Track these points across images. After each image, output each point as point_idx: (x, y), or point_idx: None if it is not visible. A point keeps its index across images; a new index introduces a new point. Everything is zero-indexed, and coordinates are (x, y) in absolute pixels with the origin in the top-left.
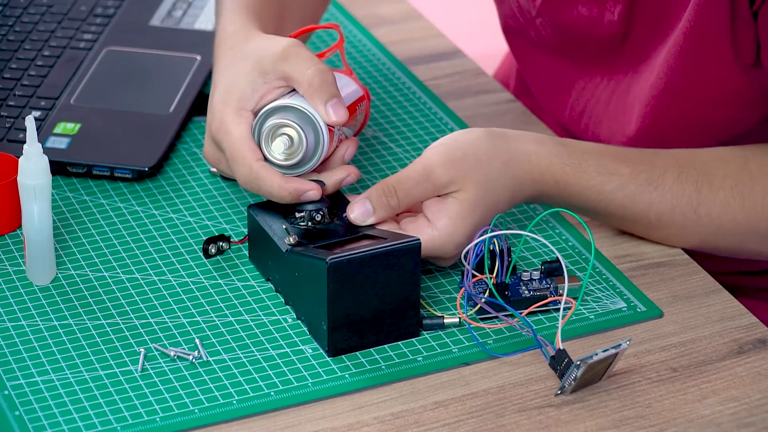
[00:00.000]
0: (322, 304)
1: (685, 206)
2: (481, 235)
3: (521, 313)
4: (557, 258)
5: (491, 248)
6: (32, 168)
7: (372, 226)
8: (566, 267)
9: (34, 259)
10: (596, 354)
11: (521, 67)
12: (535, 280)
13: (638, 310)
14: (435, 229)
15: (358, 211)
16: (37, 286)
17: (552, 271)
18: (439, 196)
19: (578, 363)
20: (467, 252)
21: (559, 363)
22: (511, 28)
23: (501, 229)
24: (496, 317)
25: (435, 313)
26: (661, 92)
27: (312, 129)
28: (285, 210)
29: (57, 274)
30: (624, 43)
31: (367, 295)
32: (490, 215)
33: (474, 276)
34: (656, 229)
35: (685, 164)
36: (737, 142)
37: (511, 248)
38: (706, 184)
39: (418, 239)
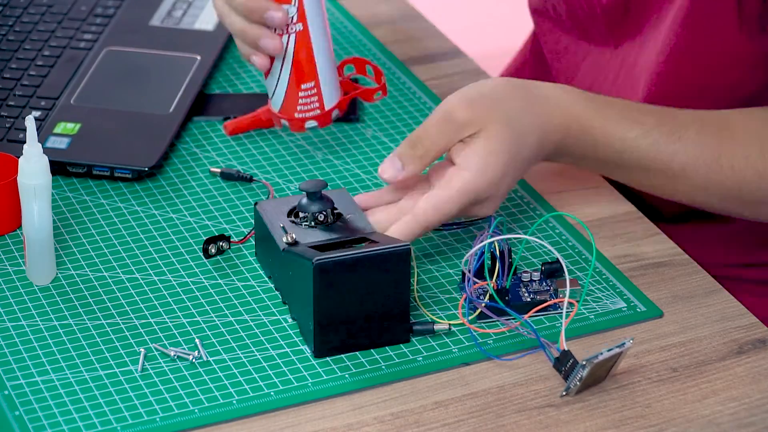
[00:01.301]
0: (310, 305)
1: (708, 157)
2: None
3: (523, 317)
4: (557, 259)
5: (491, 250)
6: (32, 168)
7: (373, 229)
8: (566, 268)
9: (34, 259)
10: (601, 353)
11: (546, 49)
12: (534, 281)
13: (638, 310)
14: (467, 170)
15: (390, 170)
16: (37, 286)
17: (552, 272)
18: (462, 141)
19: (584, 363)
20: (467, 259)
21: (564, 364)
22: (535, 8)
23: (502, 233)
24: (498, 321)
25: (430, 316)
26: (667, 58)
27: None
28: (289, 210)
29: (57, 274)
30: (627, 13)
31: (354, 298)
32: (520, 158)
33: (475, 282)
34: (680, 180)
35: (706, 118)
36: (746, 106)
37: (512, 249)
38: (728, 138)
39: (408, 245)
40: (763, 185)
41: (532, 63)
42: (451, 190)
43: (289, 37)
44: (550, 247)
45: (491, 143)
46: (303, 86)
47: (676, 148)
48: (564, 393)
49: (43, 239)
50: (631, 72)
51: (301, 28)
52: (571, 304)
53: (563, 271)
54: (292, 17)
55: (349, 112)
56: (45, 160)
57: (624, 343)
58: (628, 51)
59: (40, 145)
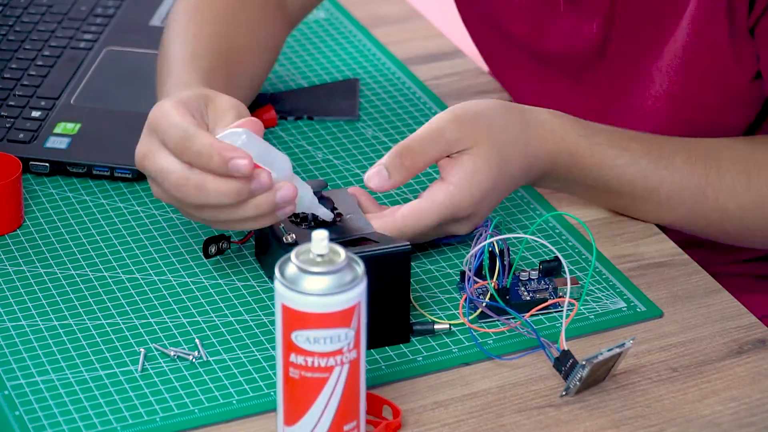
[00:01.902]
0: None
1: (694, 187)
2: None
3: (524, 317)
4: (555, 257)
5: (491, 249)
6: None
7: (373, 229)
8: (566, 267)
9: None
10: (601, 353)
11: (485, 55)
12: (533, 280)
13: (638, 310)
14: (450, 184)
15: (375, 179)
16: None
17: (550, 270)
18: (450, 157)
19: (584, 363)
20: (467, 259)
21: (564, 364)
22: (490, 51)
23: (501, 233)
24: (498, 321)
25: (429, 317)
26: (664, 102)
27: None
28: None
29: (58, 273)
30: (602, 56)
31: None
32: (505, 180)
33: (476, 282)
34: (666, 209)
35: (693, 148)
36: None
37: (510, 248)
38: (714, 168)
39: (408, 245)
40: (746, 219)
41: None
42: (433, 202)
43: (342, 368)
44: (550, 246)
45: (478, 162)
46: (345, 427)
47: (663, 175)
48: (564, 393)
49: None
50: (605, 107)
51: (356, 356)
52: (571, 303)
53: (562, 270)
54: (349, 343)
55: (350, 111)
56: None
57: (624, 343)
58: (593, 87)
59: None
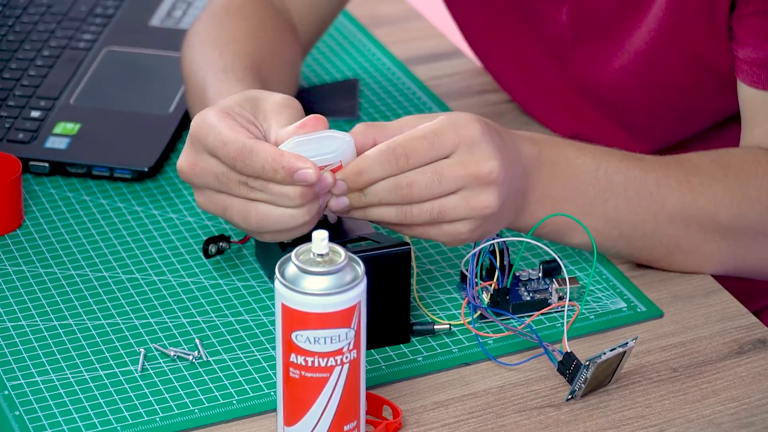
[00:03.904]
0: None
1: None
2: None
3: (525, 322)
4: (555, 258)
5: (490, 249)
6: None
7: (374, 229)
8: (565, 268)
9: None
10: (604, 353)
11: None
12: (533, 280)
13: (638, 310)
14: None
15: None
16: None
17: (550, 271)
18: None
19: (587, 363)
20: (468, 260)
21: (568, 366)
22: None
23: (500, 234)
24: (501, 326)
25: (430, 316)
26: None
27: None
28: None
29: (58, 273)
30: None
31: None
32: (513, 162)
33: (476, 285)
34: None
35: (671, 164)
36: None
37: (510, 249)
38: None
39: (409, 245)
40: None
41: None
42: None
43: (342, 368)
44: (548, 249)
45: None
46: (345, 427)
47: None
48: (570, 396)
49: None
50: (582, 84)
51: (356, 356)
52: (572, 306)
53: (561, 270)
54: (349, 343)
55: (350, 111)
56: None
57: (627, 343)
58: (569, 67)
59: None
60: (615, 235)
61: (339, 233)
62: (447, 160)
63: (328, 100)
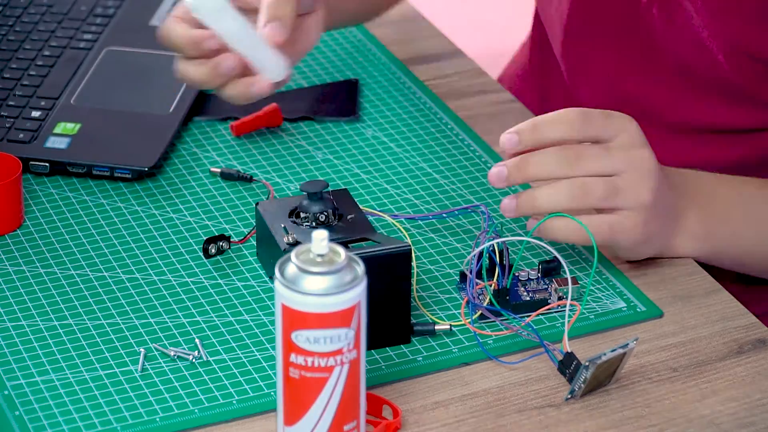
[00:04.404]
0: None
1: None
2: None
3: (525, 321)
4: (555, 258)
5: (490, 251)
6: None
7: (374, 230)
8: (566, 268)
9: (259, 57)
10: (604, 354)
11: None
12: (533, 280)
13: (638, 310)
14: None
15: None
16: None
17: (549, 270)
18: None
19: (587, 363)
20: (469, 260)
21: (568, 366)
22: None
23: (500, 235)
24: (501, 325)
25: (430, 316)
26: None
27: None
28: (291, 210)
29: (58, 273)
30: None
31: None
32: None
33: (477, 284)
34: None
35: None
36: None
37: (510, 248)
38: None
39: (409, 245)
40: None
41: (531, 68)
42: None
43: (342, 368)
44: (548, 247)
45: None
46: (345, 427)
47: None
48: (569, 396)
49: (253, 37)
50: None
51: (356, 356)
52: (572, 306)
53: (561, 270)
54: (349, 343)
55: (350, 111)
56: None
57: (628, 344)
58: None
59: None
60: (758, 258)
61: (339, 233)
62: (612, 142)
63: (328, 100)
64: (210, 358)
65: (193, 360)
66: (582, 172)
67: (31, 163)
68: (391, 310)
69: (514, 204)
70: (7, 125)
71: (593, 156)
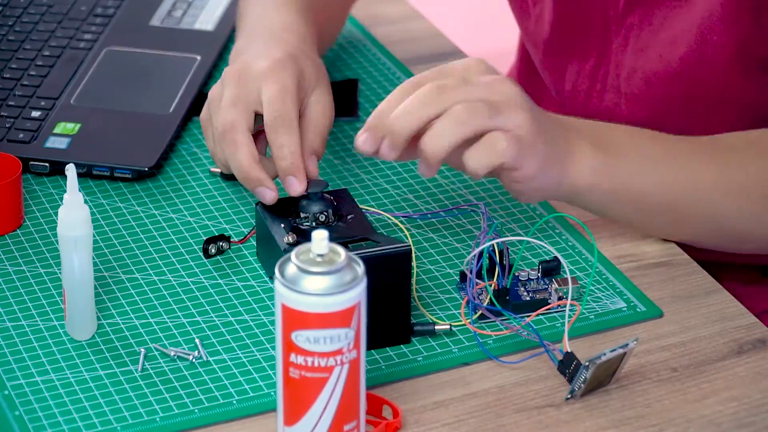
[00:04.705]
0: None
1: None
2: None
3: (525, 320)
4: (555, 258)
5: (490, 251)
6: (73, 219)
7: (374, 230)
8: (566, 267)
9: (75, 313)
10: (604, 354)
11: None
12: (532, 280)
13: (638, 310)
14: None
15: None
16: (78, 341)
17: (549, 270)
18: None
19: (587, 363)
20: (468, 260)
21: (568, 366)
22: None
23: (499, 235)
24: (501, 325)
25: (430, 316)
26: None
27: None
28: (291, 210)
29: (58, 273)
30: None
31: None
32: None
33: (477, 284)
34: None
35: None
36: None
37: (510, 249)
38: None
39: (409, 245)
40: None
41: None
42: None
43: (342, 368)
44: (550, 247)
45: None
46: (345, 427)
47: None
48: (569, 396)
49: (84, 293)
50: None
51: (356, 356)
52: (572, 305)
53: (561, 270)
54: (349, 343)
55: (350, 111)
56: (86, 210)
57: (628, 344)
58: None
59: (81, 194)
60: (663, 201)
61: (339, 233)
62: (468, 78)
63: None
64: (210, 358)
65: (193, 360)
66: (451, 102)
67: (31, 163)
68: (391, 310)
69: (363, 136)
70: (7, 125)
71: (454, 84)
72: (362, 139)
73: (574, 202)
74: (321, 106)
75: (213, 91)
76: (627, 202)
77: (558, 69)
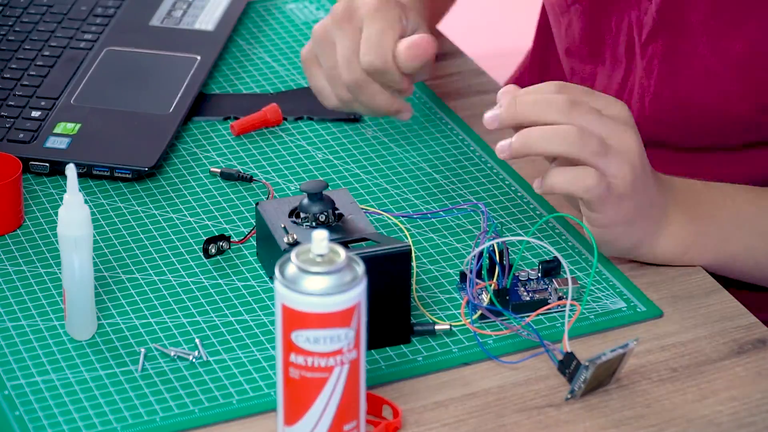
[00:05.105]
0: None
1: None
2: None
3: (525, 320)
4: (555, 258)
5: (490, 251)
6: (73, 218)
7: (374, 230)
8: (566, 267)
9: (75, 313)
10: (604, 354)
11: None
12: (533, 280)
13: (638, 310)
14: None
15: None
16: (78, 341)
17: (549, 270)
18: None
19: (587, 364)
20: (468, 260)
21: (568, 366)
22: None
23: (499, 235)
24: (500, 324)
25: (430, 316)
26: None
27: None
28: (291, 210)
29: (58, 273)
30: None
31: None
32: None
33: (477, 284)
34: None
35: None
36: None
37: (510, 249)
38: None
39: (408, 245)
40: None
41: (533, 69)
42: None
43: (342, 368)
44: (550, 247)
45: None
46: (345, 427)
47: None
48: (569, 396)
49: (84, 293)
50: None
51: (355, 356)
52: (573, 306)
53: (561, 270)
54: (349, 343)
55: (352, 113)
56: (86, 210)
57: (628, 344)
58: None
59: (81, 194)
60: (751, 264)
61: (339, 233)
62: (603, 110)
63: None
64: (210, 358)
65: (193, 360)
66: (573, 121)
67: (31, 163)
68: (391, 310)
69: (507, 144)
70: (7, 125)
71: (587, 109)
72: (488, 116)
73: (648, 262)
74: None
75: (318, 28)
76: (712, 266)
77: (587, 79)
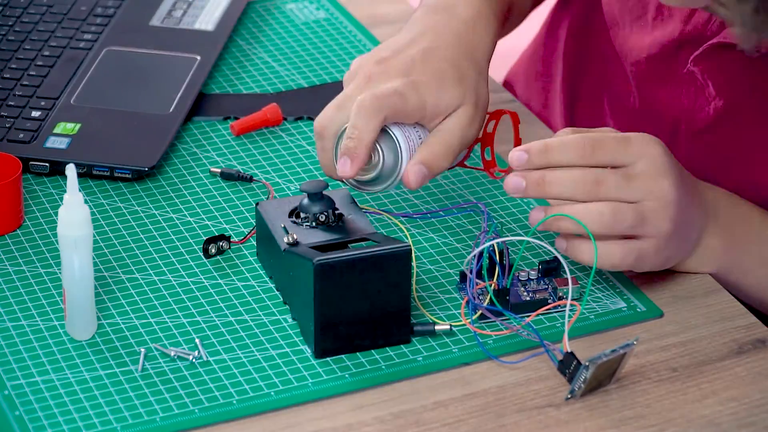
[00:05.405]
0: (310, 305)
1: None
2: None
3: (525, 320)
4: (555, 257)
5: (490, 251)
6: (73, 218)
7: (374, 230)
8: (566, 267)
9: (75, 313)
10: (605, 354)
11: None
12: (532, 280)
13: (638, 310)
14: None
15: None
16: (78, 341)
17: (549, 270)
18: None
19: (587, 364)
20: (469, 260)
21: (568, 366)
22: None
23: (499, 235)
24: (500, 324)
25: (430, 316)
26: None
27: (393, 153)
28: (291, 210)
29: (58, 273)
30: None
31: (355, 299)
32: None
33: (477, 284)
34: None
35: None
36: None
37: (510, 248)
38: None
39: (408, 245)
40: None
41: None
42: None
43: None
44: (550, 247)
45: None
46: None
47: None
48: (569, 396)
49: (85, 293)
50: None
51: None
52: (573, 306)
53: (561, 270)
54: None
55: None
56: (86, 210)
57: (628, 344)
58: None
59: (81, 194)
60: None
61: (340, 233)
62: (631, 168)
63: (328, 100)
64: (210, 358)
65: (193, 360)
66: (601, 198)
67: (31, 163)
68: (391, 310)
69: (542, 216)
70: (7, 125)
71: (613, 184)
72: (513, 184)
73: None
74: (461, 122)
75: (358, 64)
76: (743, 289)
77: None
